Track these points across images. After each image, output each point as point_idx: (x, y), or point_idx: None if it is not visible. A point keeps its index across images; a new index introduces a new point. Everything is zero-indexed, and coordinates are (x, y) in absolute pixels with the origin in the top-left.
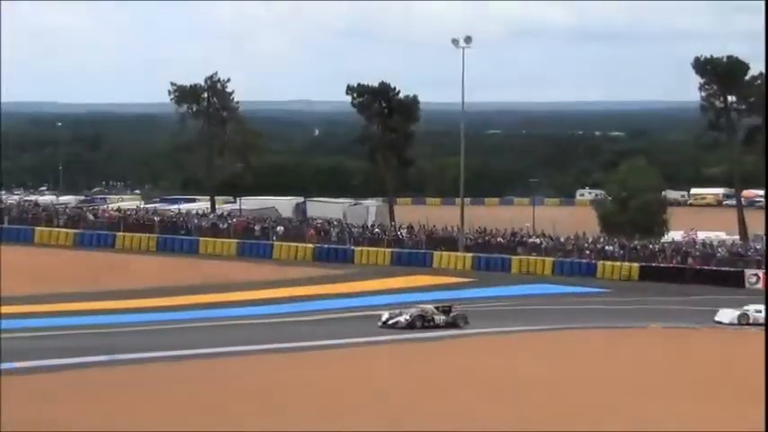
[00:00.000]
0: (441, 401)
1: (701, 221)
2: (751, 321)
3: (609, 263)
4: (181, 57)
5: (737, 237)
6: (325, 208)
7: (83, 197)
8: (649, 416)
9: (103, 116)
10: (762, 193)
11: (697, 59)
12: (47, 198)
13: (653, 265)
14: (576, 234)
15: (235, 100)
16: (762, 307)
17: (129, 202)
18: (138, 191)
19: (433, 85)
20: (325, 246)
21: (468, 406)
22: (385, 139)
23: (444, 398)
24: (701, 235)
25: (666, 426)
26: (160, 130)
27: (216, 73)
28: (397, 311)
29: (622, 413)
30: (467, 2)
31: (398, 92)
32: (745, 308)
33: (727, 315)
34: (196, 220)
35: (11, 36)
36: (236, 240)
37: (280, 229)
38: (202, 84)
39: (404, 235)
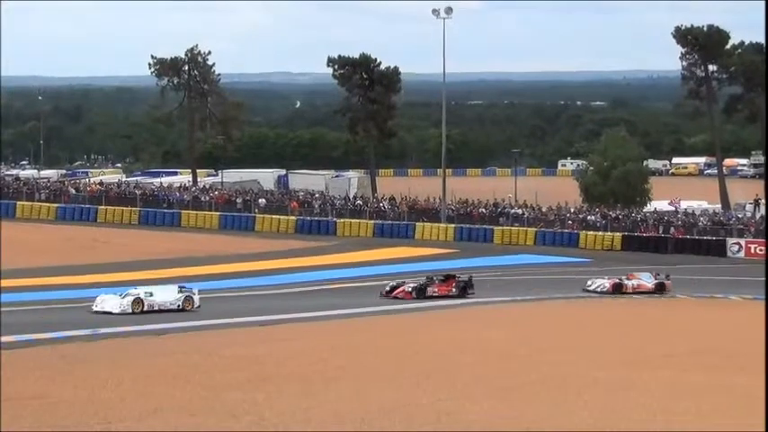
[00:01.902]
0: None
1: (682, 191)
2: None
3: (591, 233)
4: (161, 30)
5: (719, 206)
6: (307, 180)
7: (64, 171)
8: (631, 384)
9: (84, 89)
10: (744, 161)
11: (678, 29)
12: (28, 172)
13: (635, 234)
14: (558, 204)
15: (215, 72)
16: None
17: (110, 176)
18: (119, 164)
19: (414, 57)
20: (308, 218)
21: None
22: (366, 111)
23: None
24: (683, 204)
25: (649, 394)
26: (140, 103)
27: (196, 46)
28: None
29: (603, 382)
30: None
31: (379, 63)
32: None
33: (597, 284)
34: (178, 194)
35: None
36: (218, 213)
37: (262, 201)
38: (183, 56)
39: (386, 207)
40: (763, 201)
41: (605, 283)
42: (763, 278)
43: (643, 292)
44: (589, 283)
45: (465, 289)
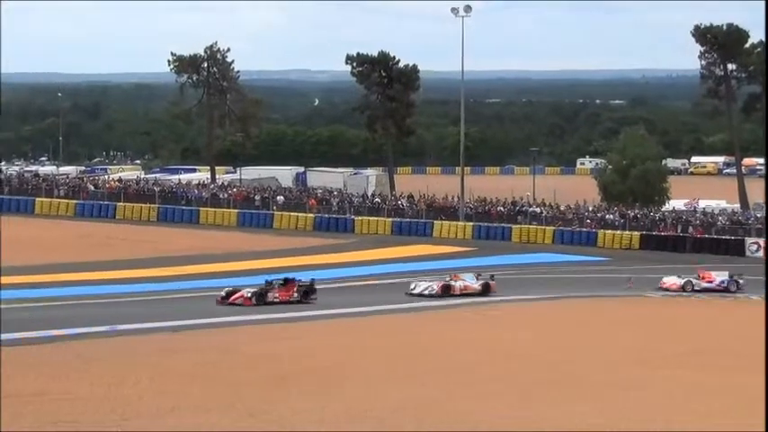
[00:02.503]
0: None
1: (701, 190)
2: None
3: (609, 232)
4: (180, 27)
5: (738, 205)
6: (325, 177)
7: (83, 167)
8: (644, 384)
9: (103, 86)
10: (762, 161)
11: (697, 27)
12: (47, 168)
13: (653, 233)
14: (576, 203)
15: (234, 70)
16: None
17: (129, 173)
18: (138, 161)
19: (432, 54)
20: (326, 215)
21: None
22: (384, 109)
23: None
24: (702, 203)
25: (663, 394)
26: (159, 99)
27: (215, 43)
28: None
29: (615, 382)
30: None
31: (398, 61)
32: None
33: (423, 286)
34: (196, 191)
35: (11, 7)
36: (236, 210)
37: (280, 198)
38: (202, 54)
39: (404, 204)
40: None
41: (433, 285)
42: None
43: (470, 293)
44: (413, 285)
45: (307, 294)
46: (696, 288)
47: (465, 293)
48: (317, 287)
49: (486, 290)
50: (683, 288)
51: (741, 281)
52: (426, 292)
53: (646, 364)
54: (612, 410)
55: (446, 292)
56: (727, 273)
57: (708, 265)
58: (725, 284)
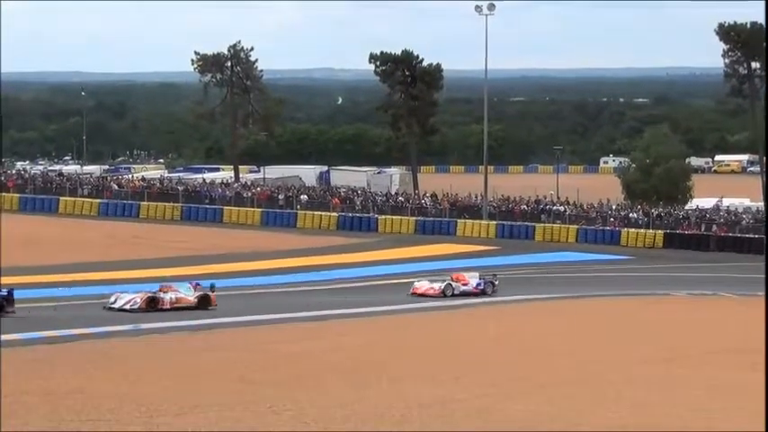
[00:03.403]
0: (466, 367)
1: (725, 188)
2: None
3: (633, 230)
4: (203, 26)
5: (762, 203)
6: (349, 176)
7: (107, 166)
8: (671, 383)
9: (127, 85)
10: None
11: (721, 26)
12: (71, 168)
13: (677, 232)
14: (599, 201)
15: (258, 68)
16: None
17: (152, 172)
18: (161, 160)
19: (456, 53)
20: (350, 214)
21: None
22: (408, 107)
23: (472, 364)
24: (726, 202)
25: (689, 393)
26: (183, 99)
27: (239, 42)
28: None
29: (642, 379)
30: None
31: (421, 60)
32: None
33: (424, 286)
34: (220, 190)
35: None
36: (260, 209)
37: (303, 197)
38: (226, 53)
39: (427, 203)
40: None
41: (137, 298)
42: None
43: (183, 307)
44: (113, 299)
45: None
46: (456, 292)
47: (176, 307)
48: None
49: (204, 303)
50: (443, 292)
51: (496, 282)
52: (128, 307)
53: (675, 362)
54: (647, 408)
55: (151, 305)
56: (478, 274)
57: (460, 267)
58: (481, 287)
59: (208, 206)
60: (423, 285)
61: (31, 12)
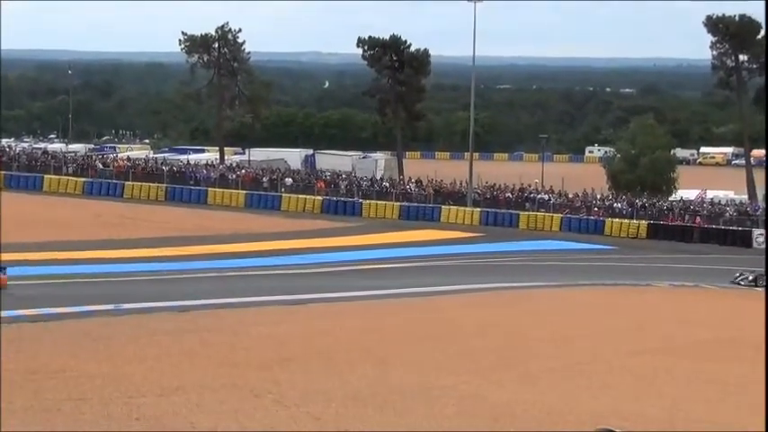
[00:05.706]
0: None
1: (709, 180)
2: None
3: (617, 220)
4: (191, 7)
5: (746, 196)
6: (334, 161)
7: (92, 146)
8: (658, 372)
9: (114, 65)
10: None
11: (709, 18)
12: (56, 146)
13: (661, 223)
14: (584, 191)
15: (245, 51)
16: None
17: (138, 152)
18: (147, 140)
19: (444, 39)
20: (334, 198)
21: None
22: (395, 93)
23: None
24: (710, 194)
25: (671, 383)
26: (170, 79)
27: (227, 23)
28: None
29: (629, 369)
30: None
31: (409, 45)
32: None
33: None
34: (205, 171)
35: None
36: (244, 192)
37: (288, 180)
38: (213, 34)
39: (412, 189)
40: None
41: None
42: None
43: None
44: None
45: None
46: None
47: None
48: None
49: None
50: None
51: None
52: None
53: (664, 352)
54: (632, 397)
55: None
56: None
57: None
58: None
59: (192, 187)
60: None
61: None
